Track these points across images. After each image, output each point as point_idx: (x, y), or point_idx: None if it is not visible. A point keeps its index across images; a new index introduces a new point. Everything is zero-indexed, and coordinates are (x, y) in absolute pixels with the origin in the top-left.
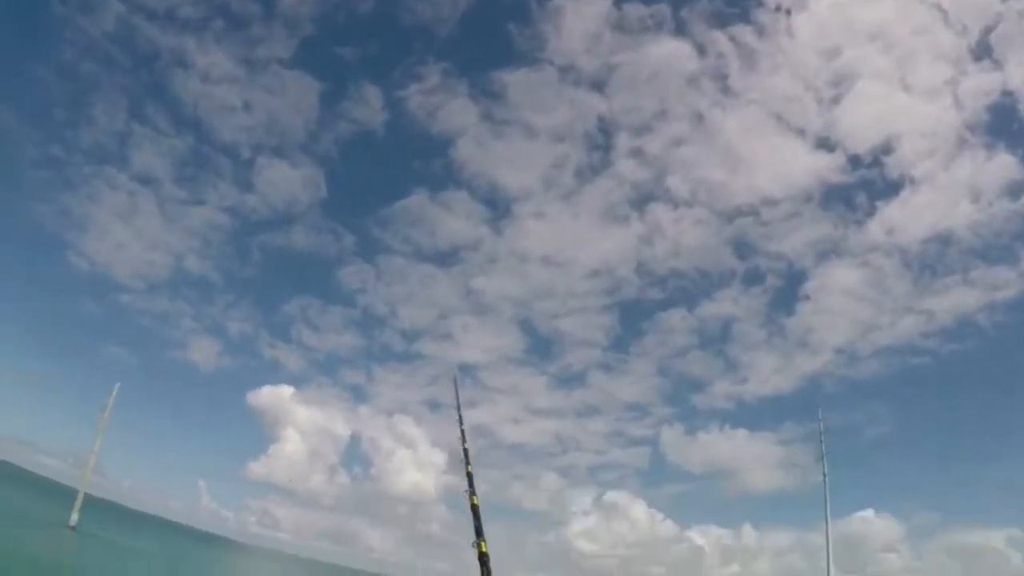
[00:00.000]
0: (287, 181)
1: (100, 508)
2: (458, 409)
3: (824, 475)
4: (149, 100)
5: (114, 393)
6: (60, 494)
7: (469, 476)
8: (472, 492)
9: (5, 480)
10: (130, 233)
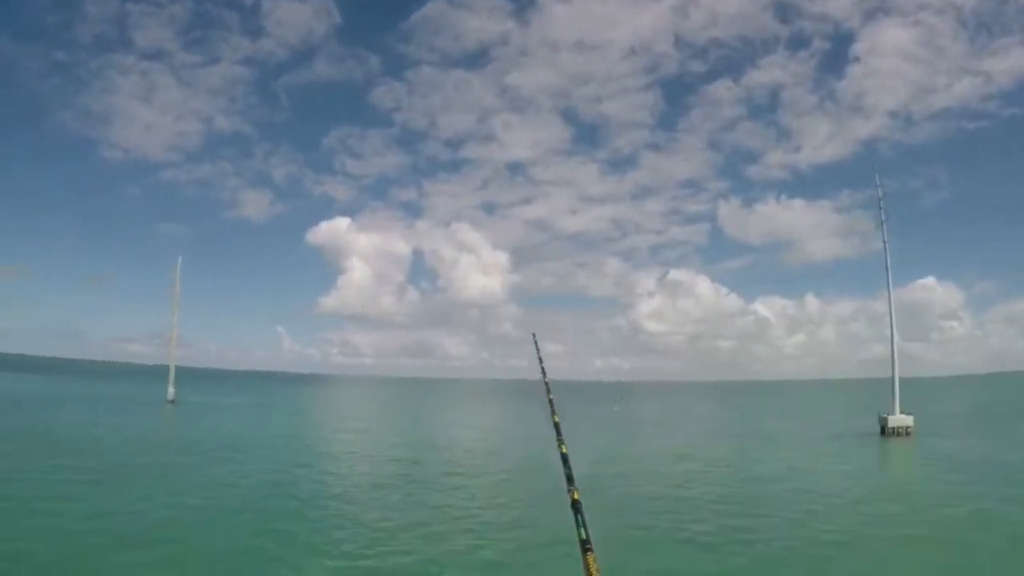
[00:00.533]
0: (298, 16)
1: (193, 376)
2: (540, 362)
3: (884, 242)
4: None
5: (178, 266)
6: (156, 375)
7: (556, 425)
8: (560, 440)
9: (106, 376)
10: (154, 111)
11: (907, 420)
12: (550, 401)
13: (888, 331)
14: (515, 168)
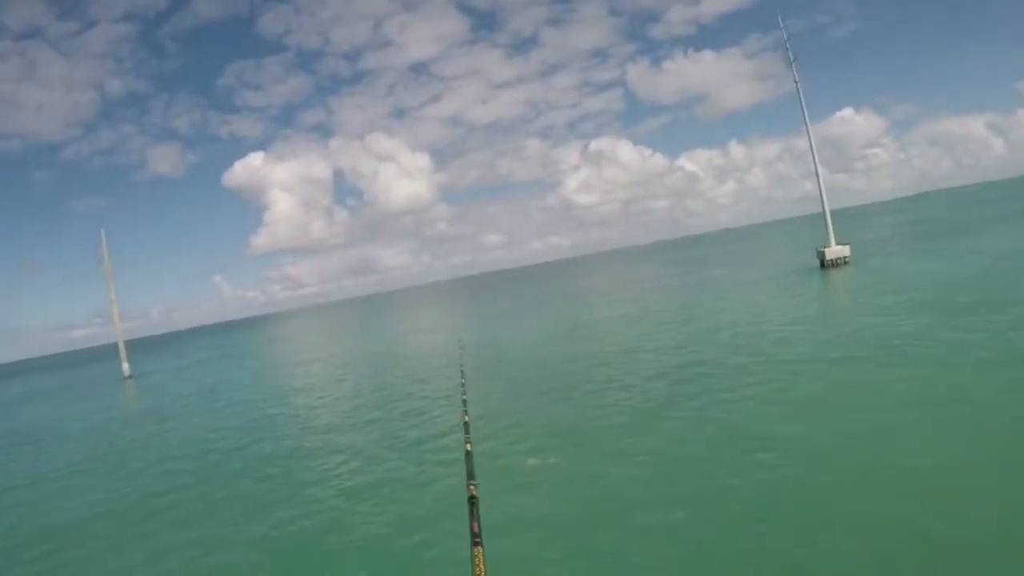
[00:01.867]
0: None
1: (144, 347)
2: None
3: (796, 82)
4: None
5: (103, 241)
6: (107, 354)
7: (465, 425)
8: (467, 439)
9: (55, 367)
10: (42, 90)
11: (843, 250)
12: (463, 402)
13: (812, 166)
14: (418, 68)
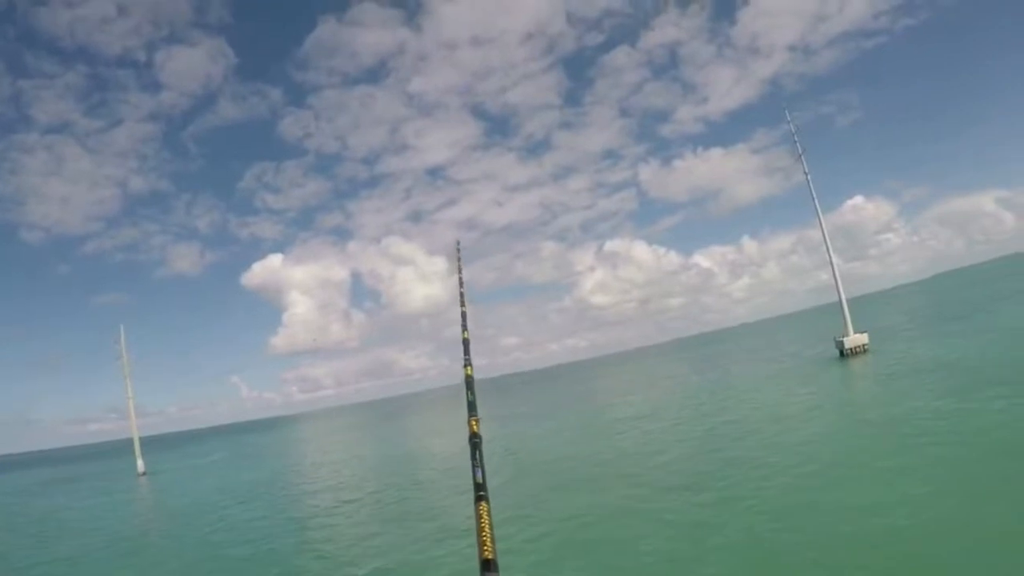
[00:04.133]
0: (192, 63)
1: (159, 444)
2: (459, 272)
3: (806, 173)
4: (24, 51)
5: (121, 335)
6: (122, 450)
7: (465, 343)
8: (467, 362)
9: (70, 460)
10: (67, 184)
11: (862, 338)
12: (463, 313)
13: (827, 256)
14: (434, 172)
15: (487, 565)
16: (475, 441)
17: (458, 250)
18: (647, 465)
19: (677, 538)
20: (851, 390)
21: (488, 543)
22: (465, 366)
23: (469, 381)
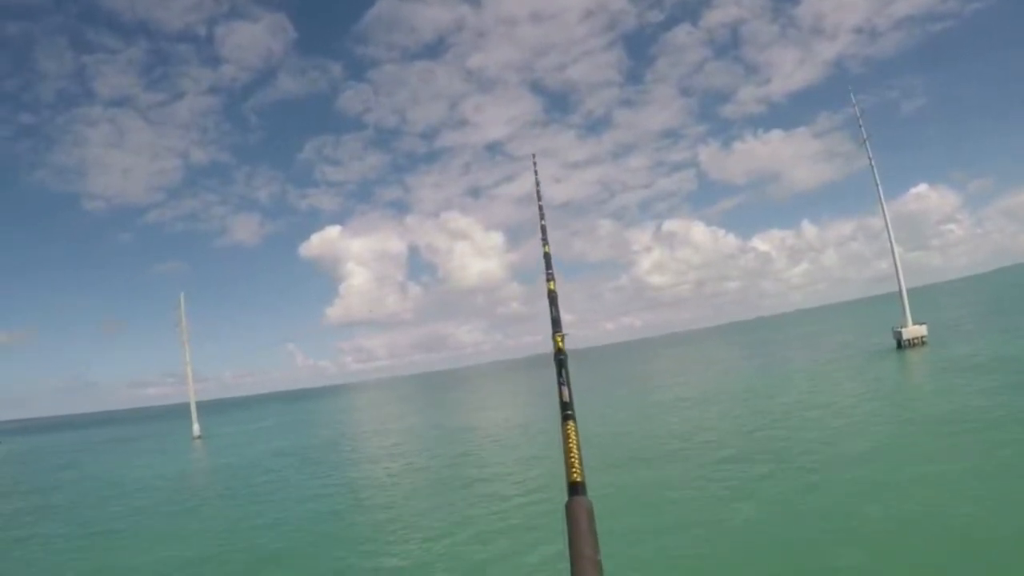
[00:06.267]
0: (253, 37)
1: (215, 408)
2: (537, 185)
3: (870, 158)
4: (87, 27)
5: (181, 303)
6: (178, 413)
7: (547, 256)
8: (550, 276)
9: (129, 421)
10: (128, 156)
11: (921, 330)
12: (545, 247)
13: (888, 244)
14: (493, 148)
15: (575, 488)
16: (560, 358)
17: (534, 163)
18: (697, 443)
19: (721, 506)
20: (908, 382)
21: (576, 465)
22: (548, 280)
23: (553, 295)
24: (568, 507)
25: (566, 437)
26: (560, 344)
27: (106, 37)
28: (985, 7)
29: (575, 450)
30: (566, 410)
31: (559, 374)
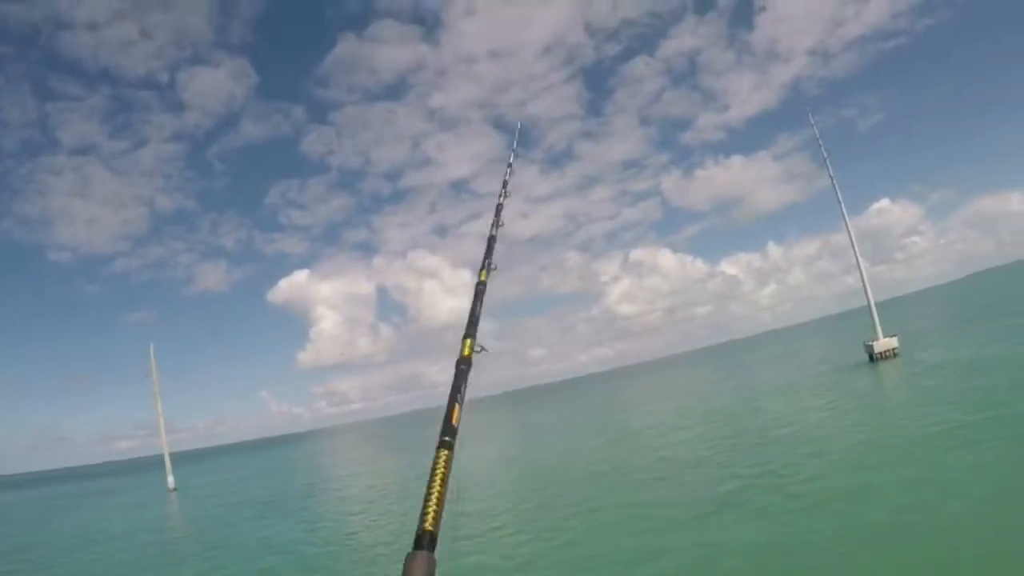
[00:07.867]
0: (215, 83)
1: (189, 459)
2: (511, 159)
3: (831, 176)
4: (50, 74)
5: (151, 354)
6: (151, 466)
7: (490, 241)
8: (485, 265)
9: (101, 476)
10: (93, 205)
11: (891, 342)
12: (493, 230)
13: (853, 259)
14: (458, 186)
15: (422, 539)
16: (462, 368)
17: (516, 133)
18: (670, 471)
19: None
20: (884, 393)
21: (433, 509)
22: (481, 269)
23: (480, 288)
24: (406, 563)
25: (433, 468)
26: (467, 351)
27: (69, 85)
28: (935, 23)
29: (438, 488)
30: (446, 435)
31: (455, 388)
